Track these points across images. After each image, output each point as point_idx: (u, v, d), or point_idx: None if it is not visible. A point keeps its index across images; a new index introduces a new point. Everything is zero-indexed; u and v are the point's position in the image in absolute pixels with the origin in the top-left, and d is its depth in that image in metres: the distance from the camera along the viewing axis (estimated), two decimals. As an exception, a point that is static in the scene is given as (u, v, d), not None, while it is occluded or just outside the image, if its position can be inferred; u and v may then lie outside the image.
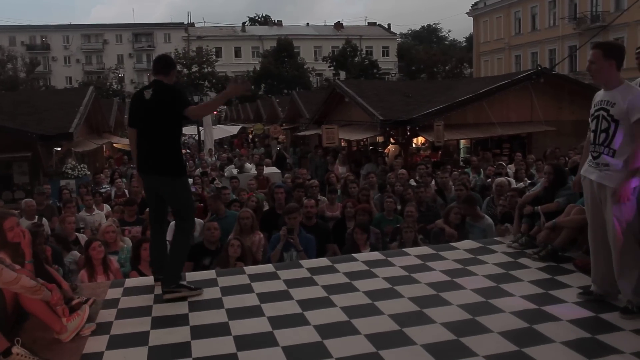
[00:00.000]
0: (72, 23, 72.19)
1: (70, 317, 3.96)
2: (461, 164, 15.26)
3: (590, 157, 4.18)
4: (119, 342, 3.93)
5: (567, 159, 12.11)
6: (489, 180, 10.31)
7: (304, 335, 3.89)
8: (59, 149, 15.54)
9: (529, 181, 9.73)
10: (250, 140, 35.81)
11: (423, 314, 4.20)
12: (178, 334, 4.02)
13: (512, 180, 9.94)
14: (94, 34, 71.23)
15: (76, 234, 7.45)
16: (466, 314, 4.17)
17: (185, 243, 4.95)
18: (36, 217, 8.40)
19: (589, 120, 4.22)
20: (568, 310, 4.17)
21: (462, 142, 19.14)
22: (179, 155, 4.87)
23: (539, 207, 5.81)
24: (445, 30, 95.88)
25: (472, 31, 55.40)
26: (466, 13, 53.08)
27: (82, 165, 15.30)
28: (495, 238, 6.44)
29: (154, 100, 4.71)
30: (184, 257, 4.99)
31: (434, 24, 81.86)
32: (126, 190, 11.02)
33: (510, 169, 11.87)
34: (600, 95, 4.16)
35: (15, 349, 3.43)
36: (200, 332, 4.05)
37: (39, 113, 17.14)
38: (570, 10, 40.58)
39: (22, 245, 4.25)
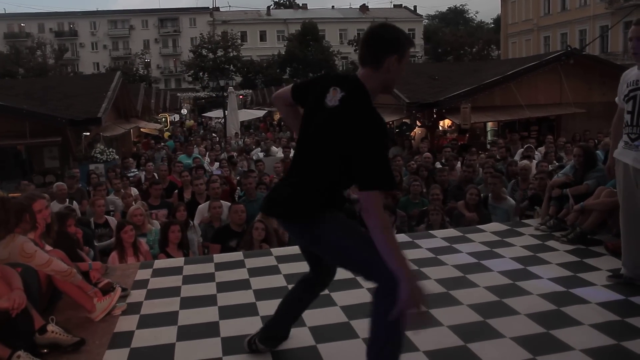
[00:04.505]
0: (99, 9, 72.91)
1: (101, 297, 4.06)
2: (488, 146, 15.11)
3: (626, 139, 4.05)
4: (149, 322, 4.01)
5: (596, 141, 11.93)
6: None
7: (331, 315, 3.92)
8: (88, 133, 15.76)
9: (557, 164, 9.60)
10: (276, 124, 35.86)
11: (449, 296, 4.20)
12: (206, 314, 4.09)
13: (532, 165, 9.80)
14: (120, 20, 71.69)
15: (106, 216, 7.57)
16: (493, 295, 4.16)
17: None
18: (67, 200, 8.58)
19: (622, 100, 4.12)
20: (597, 293, 4.13)
21: (489, 125, 18.94)
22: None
23: (568, 189, 5.74)
24: (473, 12, 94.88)
25: (499, 12, 54.49)
26: (494, -6, 52.22)
27: (110, 150, 15.50)
28: (524, 220, 6.39)
29: (336, 114, 2.73)
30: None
31: (460, 5, 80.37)
32: (156, 175, 11.13)
33: (540, 151, 11.73)
34: (634, 74, 4.02)
35: (50, 327, 3.52)
36: (228, 312, 4.11)
37: (68, 98, 17.37)
38: (602, -11, 39.63)
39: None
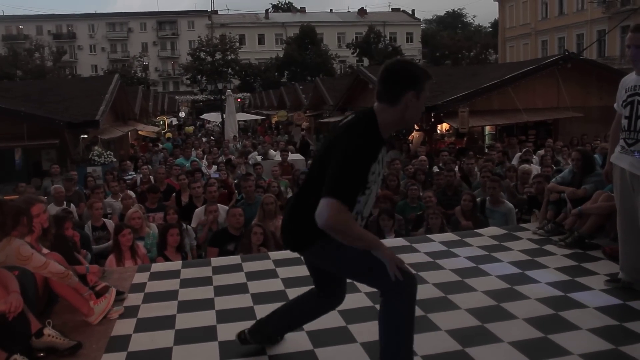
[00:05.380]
0: (98, 12, 72.97)
1: (97, 300, 4.04)
2: (486, 150, 15.13)
3: (623, 144, 4.06)
4: (146, 325, 4.00)
5: (592, 145, 11.96)
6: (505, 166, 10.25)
7: (328, 319, 3.89)
8: (86, 136, 15.74)
9: (555, 167, 9.61)
10: (274, 128, 35.87)
11: (447, 300, 4.19)
12: (204, 318, 4.08)
13: (536, 167, 9.82)
14: (118, 23, 71.73)
15: (103, 219, 7.55)
16: (491, 300, 4.15)
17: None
18: (64, 203, 8.55)
19: (620, 106, 4.12)
20: (595, 297, 4.13)
21: (487, 129, 18.95)
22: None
23: (566, 193, 5.74)
24: (470, 16, 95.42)
25: (497, 16, 54.61)
26: (491, -2, 52.34)
27: (108, 152, 15.48)
28: (521, 225, 6.39)
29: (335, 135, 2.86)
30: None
31: (458, 9, 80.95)
32: (152, 177, 11.13)
33: (539, 154, 11.74)
34: (633, 79, 4.03)
35: (47, 331, 3.51)
36: (226, 316, 4.10)
37: (66, 101, 17.37)
38: (599, -6, 39.72)
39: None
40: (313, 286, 3.33)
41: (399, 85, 2.68)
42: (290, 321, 3.43)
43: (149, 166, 13.50)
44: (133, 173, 13.18)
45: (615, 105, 4.25)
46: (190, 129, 38.87)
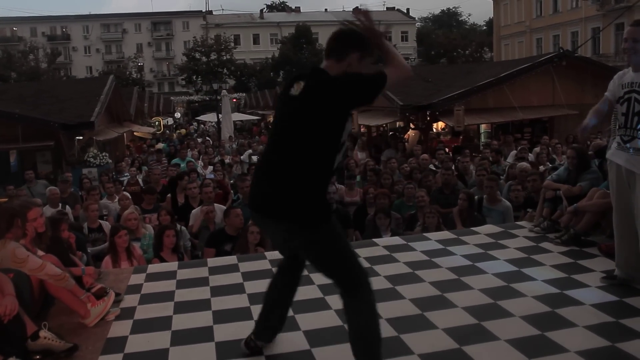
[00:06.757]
0: (92, 13, 72.73)
1: (95, 302, 4.03)
2: (481, 148, 15.14)
3: (619, 141, 4.06)
4: (142, 327, 3.99)
5: (588, 143, 11.95)
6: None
7: (325, 319, 3.91)
8: (81, 137, 15.71)
9: (550, 165, 9.61)
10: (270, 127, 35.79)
11: (444, 298, 4.19)
12: (200, 319, 4.07)
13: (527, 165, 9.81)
14: (113, 24, 71.53)
15: (99, 221, 7.53)
16: (488, 298, 4.16)
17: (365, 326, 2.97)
18: (60, 204, 8.52)
19: (616, 102, 4.11)
20: (591, 294, 4.13)
21: (483, 127, 18.98)
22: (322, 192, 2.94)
23: (561, 191, 5.75)
24: (465, 14, 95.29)
25: (492, 15, 54.68)
26: (486, -4, 52.40)
27: (103, 154, 15.45)
28: (517, 222, 6.39)
29: (302, 99, 2.88)
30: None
31: (453, 7, 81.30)
32: (139, 178, 11.12)
33: (534, 152, 11.75)
34: (629, 76, 4.01)
35: (43, 333, 3.49)
36: (222, 316, 4.09)
37: (61, 102, 17.33)
38: (593, -9, 39.78)
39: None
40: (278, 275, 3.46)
41: (347, 44, 2.90)
42: (284, 302, 3.45)
43: (145, 167, 13.49)
44: (129, 174, 13.15)
45: (607, 93, 4.24)
46: (183, 131, 38.58)
